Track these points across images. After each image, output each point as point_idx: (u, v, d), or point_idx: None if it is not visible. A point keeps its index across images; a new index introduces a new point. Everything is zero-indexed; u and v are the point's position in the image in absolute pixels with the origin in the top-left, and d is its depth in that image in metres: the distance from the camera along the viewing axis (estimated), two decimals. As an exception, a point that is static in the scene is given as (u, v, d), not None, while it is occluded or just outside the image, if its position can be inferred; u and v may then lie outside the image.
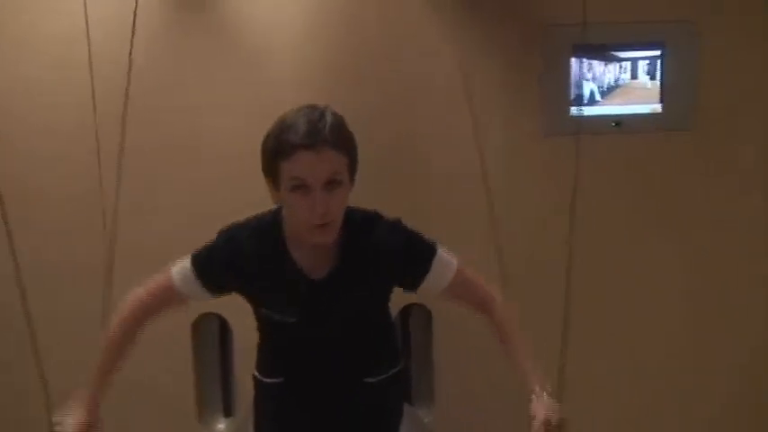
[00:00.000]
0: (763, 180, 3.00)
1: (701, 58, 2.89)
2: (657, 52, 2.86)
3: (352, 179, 1.68)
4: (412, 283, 1.79)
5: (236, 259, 1.74)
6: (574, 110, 2.89)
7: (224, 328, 3.01)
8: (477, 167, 2.92)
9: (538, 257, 2.99)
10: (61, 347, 2.96)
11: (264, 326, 1.86)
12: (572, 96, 2.88)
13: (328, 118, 1.61)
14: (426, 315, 2.98)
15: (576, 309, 3.02)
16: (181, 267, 1.80)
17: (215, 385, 3.09)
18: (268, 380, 1.91)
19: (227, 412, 3.12)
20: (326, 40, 2.84)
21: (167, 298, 1.84)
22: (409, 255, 1.76)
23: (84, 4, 2.61)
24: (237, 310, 2.79)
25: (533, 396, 1.80)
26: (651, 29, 2.87)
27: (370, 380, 1.86)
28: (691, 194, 2.99)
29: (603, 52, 2.87)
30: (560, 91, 2.88)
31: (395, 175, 2.83)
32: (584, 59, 2.87)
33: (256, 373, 1.95)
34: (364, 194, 1.74)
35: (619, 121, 2.90)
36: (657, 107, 2.90)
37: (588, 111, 2.90)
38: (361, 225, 1.74)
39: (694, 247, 3.02)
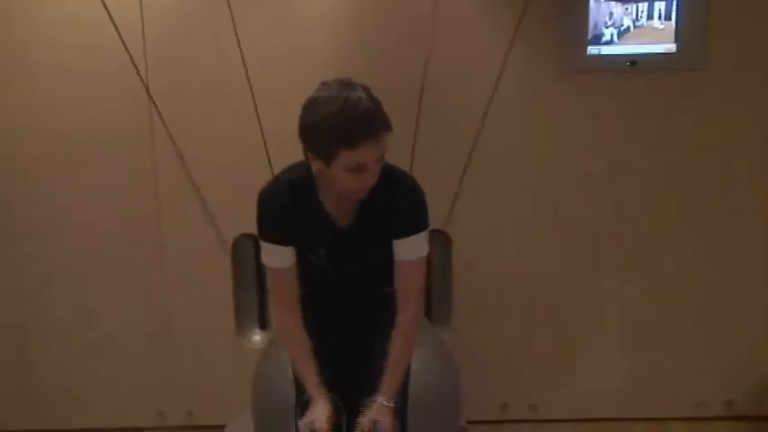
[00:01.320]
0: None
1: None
2: None
3: None
4: (393, 235, 1.99)
5: (278, 213, 1.95)
6: (591, 49, 2.96)
7: (260, 248, 3.21)
8: (496, 102, 3.03)
9: (555, 188, 3.14)
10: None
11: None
12: (589, 36, 2.95)
13: (369, 98, 1.77)
14: (446, 240, 3.16)
15: (587, 243, 3.19)
16: (264, 254, 2.02)
17: (252, 301, 3.30)
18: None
19: (263, 325, 3.33)
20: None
21: (286, 280, 2.03)
22: (408, 217, 1.97)
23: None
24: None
25: (375, 403, 1.98)
26: None
27: (386, 289, 2.07)
28: (703, 130, 3.07)
29: None
30: (578, 31, 2.94)
31: (414, 111, 2.96)
32: (603, 1, 2.93)
33: None
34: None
35: (634, 60, 2.97)
36: (672, 47, 2.96)
37: (605, 50, 2.97)
38: (386, 182, 1.92)
39: (707, 178, 3.12)
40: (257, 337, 3.32)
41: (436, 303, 3.27)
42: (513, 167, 3.11)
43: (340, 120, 1.74)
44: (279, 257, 2.01)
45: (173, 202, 3.12)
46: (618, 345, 3.27)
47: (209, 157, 3.08)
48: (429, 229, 2.01)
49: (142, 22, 2.92)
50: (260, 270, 3.23)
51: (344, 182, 1.85)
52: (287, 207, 1.96)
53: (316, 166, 1.89)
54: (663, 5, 2.93)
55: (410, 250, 2.00)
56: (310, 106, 1.79)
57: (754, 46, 3.00)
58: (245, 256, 3.22)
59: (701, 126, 3.08)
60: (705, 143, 3.09)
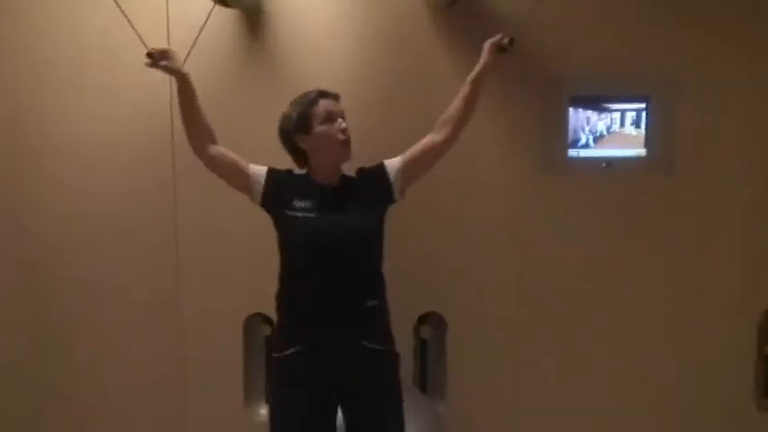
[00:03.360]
0: (731, 218, 3.34)
1: (680, 109, 3.24)
2: (642, 105, 3.22)
3: None
4: (388, 184, 2.55)
5: (285, 175, 2.56)
6: (571, 152, 3.27)
7: (269, 326, 3.38)
8: (483, 202, 3.32)
9: (542, 274, 3.39)
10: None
11: (287, 246, 2.51)
12: (569, 140, 3.26)
13: None
14: (441, 320, 3.38)
15: (560, 337, 3.42)
16: (257, 166, 2.56)
17: (259, 375, 3.46)
18: (286, 351, 2.48)
19: (269, 399, 3.52)
20: (366, 88, 3.23)
21: (235, 163, 2.55)
22: (373, 172, 2.58)
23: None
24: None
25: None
26: (637, 85, 3.23)
27: (365, 344, 2.45)
28: (669, 227, 3.33)
29: (597, 104, 3.23)
30: (560, 136, 3.25)
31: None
32: (581, 110, 3.24)
33: (274, 354, 2.54)
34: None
35: (609, 162, 3.26)
36: (642, 151, 3.26)
37: (583, 153, 3.26)
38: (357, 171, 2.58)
39: (673, 272, 3.37)
40: (263, 411, 3.47)
41: (431, 378, 3.47)
42: (500, 256, 3.37)
43: (301, 99, 2.52)
44: (254, 175, 2.55)
45: (191, 275, 3.37)
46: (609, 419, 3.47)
47: (227, 240, 3.35)
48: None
49: (171, 107, 3.21)
50: (269, 347, 3.43)
51: (328, 135, 2.47)
52: (286, 173, 2.58)
53: (306, 144, 2.51)
54: (633, 114, 3.25)
55: (395, 170, 2.56)
56: (281, 118, 2.54)
57: (715, 152, 3.30)
58: (255, 333, 3.43)
59: (669, 222, 3.35)
60: (673, 239, 3.36)
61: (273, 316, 3.30)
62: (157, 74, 3.07)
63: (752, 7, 3.25)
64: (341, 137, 2.48)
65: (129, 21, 2.56)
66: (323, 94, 2.52)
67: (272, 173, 2.56)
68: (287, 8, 3.22)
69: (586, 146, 3.28)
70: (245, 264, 3.34)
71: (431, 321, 3.43)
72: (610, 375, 3.44)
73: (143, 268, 3.38)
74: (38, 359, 3.43)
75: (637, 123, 3.26)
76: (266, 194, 2.54)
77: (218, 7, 2.99)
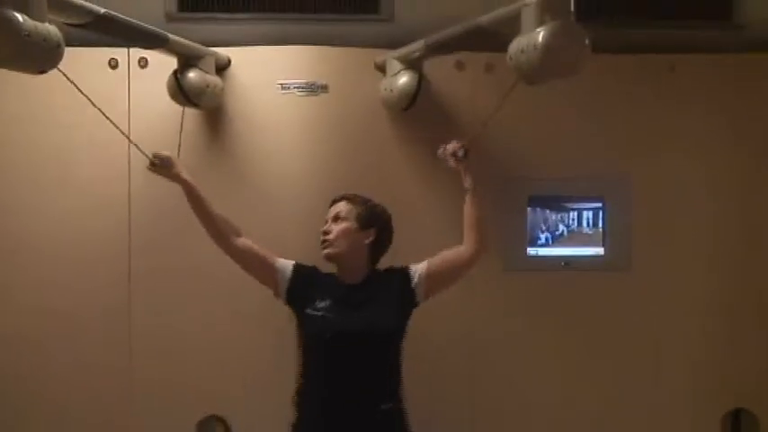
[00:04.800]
0: (689, 316, 3.38)
1: (636, 207, 3.32)
2: (599, 204, 3.30)
3: (360, 225, 2.61)
4: (410, 287, 2.62)
5: (312, 271, 2.65)
6: (530, 250, 3.31)
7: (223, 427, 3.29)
8: (443, 296, 3.23)
9: (500, 373, 3.34)
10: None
11: (306, 345, 2.59)
12: (528, 239, 3.31)
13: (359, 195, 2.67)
14: None
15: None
16: (283, 260, 2.65)
17: None
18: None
19: None
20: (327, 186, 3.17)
21: (261, 257, 2.62)
22: (397, 273, 2.65)
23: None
24: (237, 413, 3.21)
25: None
26: (593, 185, 3.31)
27: (382, 406, 2.48)
28: (628, 325, 3.35)
29: (555, 203, 3.30)
30: (519, 234, 3.30)
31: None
32: (539, 209, 3.30)
33: None
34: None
35: (568, 261, 3.31)
36: (600, 250, 3.32)
37: (542, 251, 3.31)
38: (382, 270, 2.67)
39: (633, 370, 3.37)
40: None
41: None
42: (457, 354, 3.34)
43: None
44: (281, 269, 2.63)
45: (144, 375, 3.28)
46: None
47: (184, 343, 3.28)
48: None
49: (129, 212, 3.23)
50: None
51: None
52: (312, 270, 2.67)
53: None
54: (591, 214, 3.32)
55: (418, 276, 2.63)
56: None
57: (675, 248, 3.36)
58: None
59: (627, 320, 3.37)
60: (632, 338, 3.37)
61: (227, 418, 3.27)
62: (118, 168, 3.15)
63: (702, 103, 3.39)
64: (321, 237, 2.60)
65: (110, 120, 2.61)
66: (332, 202, 2.68)
67: (298, 269, 2.65)
68: (246, 108, 3.27)
69: (545, 245, 3.32)
70: (200, 365, 3.27)
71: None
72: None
73: (95, 368, 3.27)
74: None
75: (594, 222, 3.32)
76: (291, 291, 2.61)
77: (176, 105, 3.03)
